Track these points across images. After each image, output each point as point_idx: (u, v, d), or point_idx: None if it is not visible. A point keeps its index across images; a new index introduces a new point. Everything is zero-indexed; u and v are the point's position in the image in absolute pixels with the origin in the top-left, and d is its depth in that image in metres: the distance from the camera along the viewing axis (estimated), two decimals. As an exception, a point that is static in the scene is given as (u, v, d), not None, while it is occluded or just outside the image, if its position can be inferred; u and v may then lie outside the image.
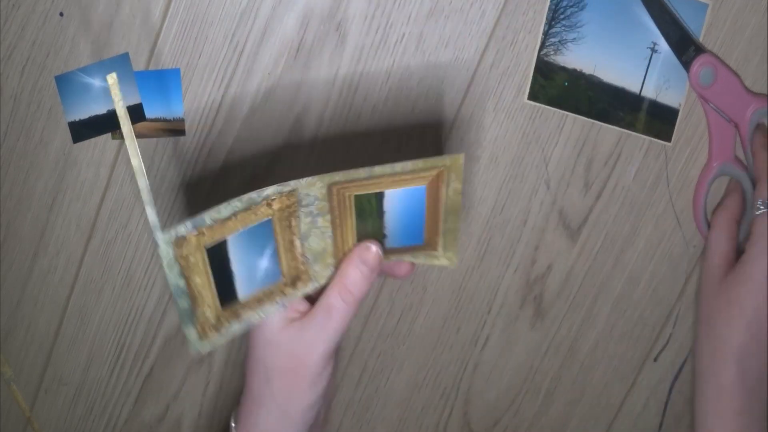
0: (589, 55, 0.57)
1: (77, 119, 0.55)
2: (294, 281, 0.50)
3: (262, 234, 0.47)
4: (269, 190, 0.46)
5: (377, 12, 0.55)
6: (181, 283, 0.45)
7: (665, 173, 0.60)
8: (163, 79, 0.55)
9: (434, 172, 0.48)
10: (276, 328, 0.48)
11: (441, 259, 0.52)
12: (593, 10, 0.56)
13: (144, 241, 0.58)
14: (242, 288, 0.48)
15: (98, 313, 0.60)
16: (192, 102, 0.56)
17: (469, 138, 0.58)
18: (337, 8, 0.55)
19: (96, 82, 0.55)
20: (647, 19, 0.57)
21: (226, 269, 0.47)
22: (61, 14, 0.54)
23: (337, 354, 0.50)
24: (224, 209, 0.45)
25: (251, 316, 0.48)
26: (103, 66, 0.54)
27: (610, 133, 0.59)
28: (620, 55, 0.57)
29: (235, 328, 0.48)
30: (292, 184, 0.47)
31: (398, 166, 0.48)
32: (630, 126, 0.58)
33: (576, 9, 0.56)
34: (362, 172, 0.47)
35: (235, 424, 0.51)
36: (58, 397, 0.62)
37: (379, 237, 0.50)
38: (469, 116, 0.58)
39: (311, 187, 0.47)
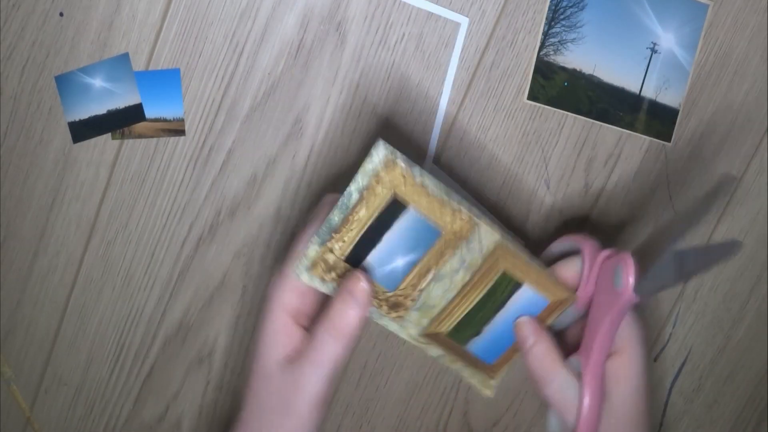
0: (589, 55, 0.57)
1: (77, 119, 0.55)
2: (394, 306, 0.47)
3: (426, 236, 0.45)
4: (465, 205, 0.44)
5: (377, 12, 0.55)
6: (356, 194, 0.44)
7: (665, 173, 0.60)
8: (163, 79, 0.55)
9: (562, 296, 0.47)
10: (274, 362, 0.47)
11: (485, 389, 0.50)
12: (593, 10, 0.56)
13: (144, 240, 0.58)
14: (368, 264, 0.45)
15: (98, 313, 0.60)
16: (192, 102, 0.56)
17: (469, 138, 0.58)
18: (337, 8, 0.55)
19: (96, 82, 0.55)
20: (647, 19, 0.57)
21: (378, 236, 0.45)
22: (61, 14, 0.53)
23: (329, 401, 0.47)
24: (436, 187, 0.44)
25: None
26: (103, 66, 0.54)
27: (610, 133, 0.59)
28: (620, 55, 0.57)
29: (329, 287, 0.46)
30: (481, 216, 0.45)
31: (546, 272, 0.46)
32: (630, 126, 0.58)
33: (576, 9, 0.56)
34: (524, 256, 0.46)
35: None
36: (58, 397, 0.62)
37: (472, 334, 0.48)
38: (469, 116, 0.58)
39: (486, 234, 0.45)
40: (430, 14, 0.55)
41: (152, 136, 0.56)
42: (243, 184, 0.58)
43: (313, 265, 0.46)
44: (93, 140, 0.56)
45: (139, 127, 0.56)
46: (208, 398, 0.62)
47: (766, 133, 0.60)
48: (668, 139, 0.59)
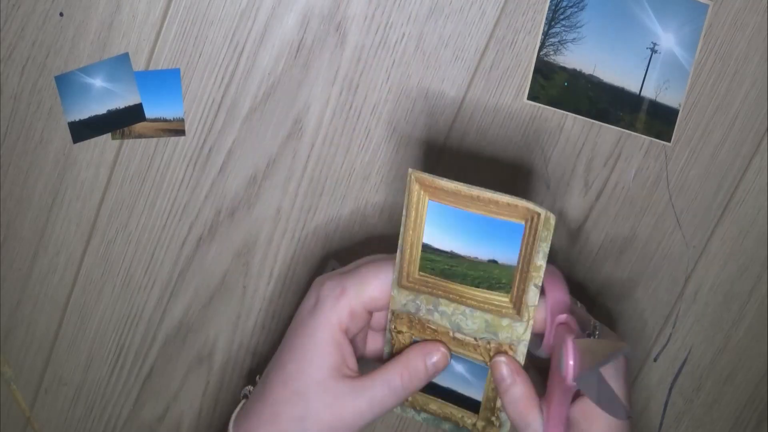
0: (589, 55, 0.57)
1: (77, 119, 0.55)
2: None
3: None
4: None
5: (377, 12, 0.55)
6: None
7: (665, 173, 0.60)
8: (163, 79, 0.55)
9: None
10: (330, 373, 0.46)
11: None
12: (593, 10, 0.56)
13: (144, 240, 0.58)
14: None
15: (98, 313, 0.60)
16: (192, 102, 0.56)
17: (469, 138, 0.58)
18: (337, 8, 0.55)
19: (96, 82, 0.55)
20: (647, 19, 0.57)
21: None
22: (61, 14, 0.53)
23: None
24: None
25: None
26: (103, 66, 0.54)
27: (610, 133, 0.59)
28: (620, 55, 0.57)
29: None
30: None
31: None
32: (630, 126, 0.58)
33: (576, 9, 0.56)
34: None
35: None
36: (58, 397, 0.62)
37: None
38: (469, 116, 0.58)
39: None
40: (430, 14, 0.55)
41: (152, 136, 0.56)
42: (243, 184, 0.58)
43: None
44: (93, 140, 0.56)
45: (139, 127, 0.56)
46: (208, 398, 0.62)
47: (766, 133, 0.60)
48: (668, 139, 0.59)
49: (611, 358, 0.43)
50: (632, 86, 0.58)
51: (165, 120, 0.56)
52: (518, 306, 0.45)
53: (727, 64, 0.58)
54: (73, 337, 0.60)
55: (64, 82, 0.54)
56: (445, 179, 0.43)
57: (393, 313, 0.47)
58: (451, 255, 0.44)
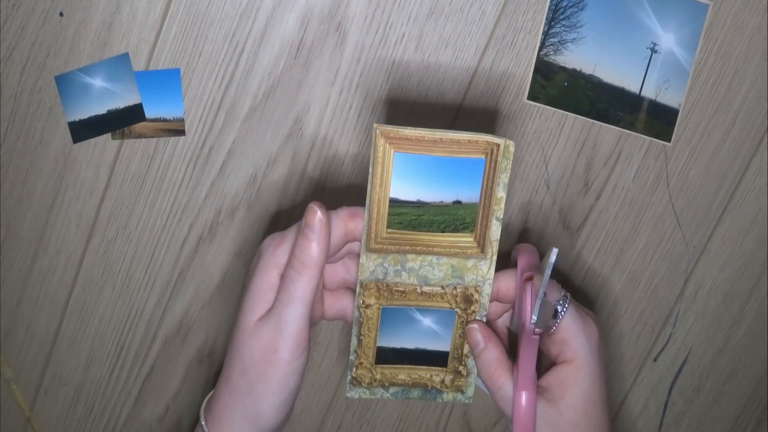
0: (589, 55, 0.57)
1: (77, 119, 0.55)
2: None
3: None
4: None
5: (377, 12, 0.55)
6: None
7: (665, 173, 0.60)
8: (163, 79, 0.55)
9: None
10: (254, 319, 0.48)
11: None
12: (593, 10, 0.56)
13: (144, 240, 0.58)
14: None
15: (98, 313, 0.60)
16: (192, 102, 0.56)
17: (469, 138, 0.58)
18: (337, 8, 0.55)
19: (96, 82, 0.55)
20: (647, 19, 0.57)
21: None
22: (61, 14, 0.54)
23: (308, 347, 0.48)
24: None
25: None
26: (103, 66, 0.54)
27: (609, 133, 0.59)
28: (620, 55, 0.57)
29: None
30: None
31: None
32: (630, 126, 0.58)
33: (576, 9, 0.56)
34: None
35: (205, 416, 0.50)
36: (58, 397, 0.62)
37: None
38: (469, 116, 0.58)
39: None
40: (430, 14, 0.55)
41: (152, 136, 0.56)
42: (243, 184, 0.58)
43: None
44: (93, 140, 0.56)
45: (139, 127, 0.56)
46: (208, 398, 0.62)
47: (766, 133, 0.60)
48: (668, 139, 0.59)
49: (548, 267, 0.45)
50: (632, 86, 0.58)
51: (165, 120, 0.56)
52: (482, 243, 0.47)
53: (727, 64, 0.58)
54: (73, 337, 0.60)
55: (64, 82, 0.54)
56: (409, 128, 0.45)
57: (361, 284, 0.49)
58: (418, 204, 0.47)
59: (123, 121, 0.56)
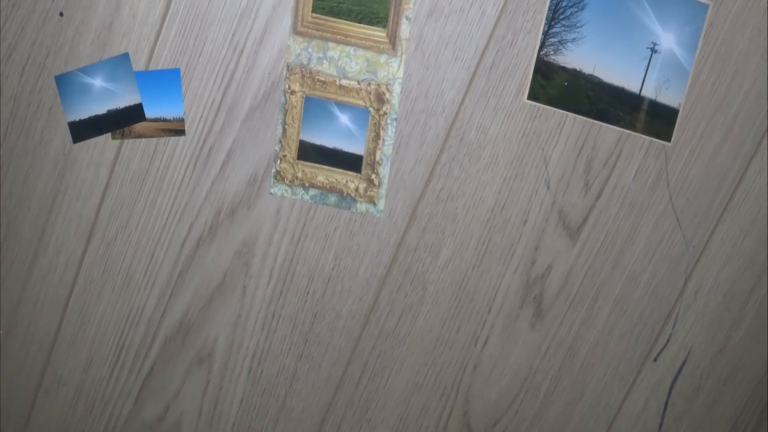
0: (589, 55, 0.57)
1: (77, 119, 0.55)
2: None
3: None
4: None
5: (377, 12, 0.55)
6: None
7: (665, 173, 0.60)
8: (163, 79, 0.55)
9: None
10: None
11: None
12: (593, 10, 0.56)
13: (144, 240, 0.58)
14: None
15: (98, 313, 0.60)
16: (192, 102, 0.56)
17: (469, 138, 0.58)
18: (337, 8, 0.55)
19: (96, 82, 0.55)
20: (647, 19, 0.57)
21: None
22: (61, 14, 0.53)
23: None
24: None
25: None
26: (103, 66, 0.54)
27: (610, 133, 0.59)
28: (620, 55, 0.57)
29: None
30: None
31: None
32: (630, 126, 0.58)
33: (576, 9, 0.56)
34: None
35: None
36: (58, 397, 0.62)
37: None
38: (469, 116, 0.58)
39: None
40: (430, 14, 0.55)
41: (152, 136, 0.56)
42: (243, 184, 0.58)
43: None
44: (93, 140, 0.56)
45: (139, 127, 0.56)
46: (208, 398, 0.62)
47: (766, 133, 0.60)
48: (668, 139, 0.59)
49: None
50: (632, 86, 0.57)
51: (165, 120, 0.56)
52: (393, 40, 0.52)
53: (727, 64, 0.58)
54: (73, 337, 0.60)
55: (64, 82, 0.54)
56: None
57: (288, 68, 0.54)
58: None
59: (123, 121, 0.55)
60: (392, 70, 0.53)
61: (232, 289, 0.60)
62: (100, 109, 0.55)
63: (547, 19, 0.56)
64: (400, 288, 0.61)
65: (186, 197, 0.58)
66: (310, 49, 0.53)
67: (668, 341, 0.64)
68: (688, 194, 0.61)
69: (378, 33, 0.52)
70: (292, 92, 0.55)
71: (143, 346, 0.61)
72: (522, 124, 0.58)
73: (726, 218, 0.62)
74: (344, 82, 0.54)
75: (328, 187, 0.57)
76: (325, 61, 0.53)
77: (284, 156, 0.56)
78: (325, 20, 0.53)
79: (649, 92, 0.58)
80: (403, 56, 0.52)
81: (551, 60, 0.57)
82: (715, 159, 0.60)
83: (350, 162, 0.55)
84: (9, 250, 0.58)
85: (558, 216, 0.60)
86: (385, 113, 0.54)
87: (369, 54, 0.53)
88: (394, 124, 0.54)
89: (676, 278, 0.62)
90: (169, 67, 0.55)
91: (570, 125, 0.58)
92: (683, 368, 0.64)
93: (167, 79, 0.55)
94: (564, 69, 0.57)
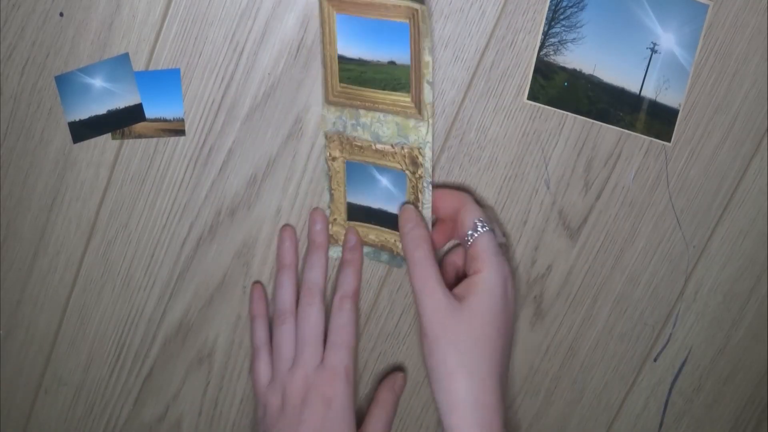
0: (589, 55, 0.57)
1: (77, 119, 0.55)
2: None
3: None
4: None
5: (377, 12, 0.55)
6: None
7: (665, 173, 0.60)
8: (163, 79, 0.55)
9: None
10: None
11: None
12: (593, 10, 0.56)
13: (144, 240, 0.58)
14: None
15: (98, 313, 0.60)
16: (192, 102, 0.56)
17: (469, 138, 0.58)
18: (337, 8, 0.55)
19: (96, 82, 0.55)
20: (647, 19, 0.57)
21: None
22: (61, 14, 0.54)
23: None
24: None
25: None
26: (103, 66, 0.54)
27: (610, 133, 0.59)
28: (620, 55, 0.57)
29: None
30: None
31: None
32: (630, 126, 0.58)
33: (576, 9, 0.56)
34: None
35: None
36: (58, 397, 0.62)
37: None
38: (469, 116, 0.58)
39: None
40: (430, 14, 0.55)
41: (152, 136, 0.56)
42: (243, 184, 0.58)
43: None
44: (93, 140, 0.56)
45: (139, 127, 0.56)
46: (208, 398, 0.62)
47: (766, 133, 0.60)
48: (668, 139, 0.59)
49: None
50: (632, 86, 0.58)
51: (165, 120, 0.56)
52: (418, 105, 0.52)
53: (727, 64, 0.58)
54: (73, 337, 0.60)
55: (64, 82, 0.54)
56: None
57: (326, 136, 0.56)
58: (360, 62, 0.52)
59: (123, 121, 0.56)
60: (421, 134, 0.53)
61: (232, 289, 0.60)
62: (100, 109, 0.55)
63: (547, 19, 0.56)
64: (400, 288, 0.61)
65: (186, 197, 0.58)
66: (343, 117, 0.54)
67: (668, 341, 0.64)
68: (688, 194, 0.61)
69: (403, 98, 0.52)
70: (333, 159, 0.56)
71: (143, 347, 0.61)
72: (522, 124, 0.58)
73: (726, 218, 0.62)
74: (379, 146, 0.54)
75: (379, 245, 0.58)
76: (359, 128, 0.54)
77: (335, 219, 0.58)
78: (353, 89, 0.53)
79: (649, 92, 0.58)
80: (430, 120, 0.52)
81: (551, 60, 0.57)
82: (715, 159, 0.60)
83: (395, 222, 0.56)
84: (9, 250, 0.58)
85: (558, 216, 0.60)
86: (421, 176, 0.54)
87: (398, 119, 0.53)
88: (430, 187, 0.54)
89: (676, 278, 0.62)
90: (169, 67, 0.55)
91: (570, 125, 0.58)
92: (683, 368, 0.64)
93: (167, 79, 0.55)
94: (564, 69, 0.57)
